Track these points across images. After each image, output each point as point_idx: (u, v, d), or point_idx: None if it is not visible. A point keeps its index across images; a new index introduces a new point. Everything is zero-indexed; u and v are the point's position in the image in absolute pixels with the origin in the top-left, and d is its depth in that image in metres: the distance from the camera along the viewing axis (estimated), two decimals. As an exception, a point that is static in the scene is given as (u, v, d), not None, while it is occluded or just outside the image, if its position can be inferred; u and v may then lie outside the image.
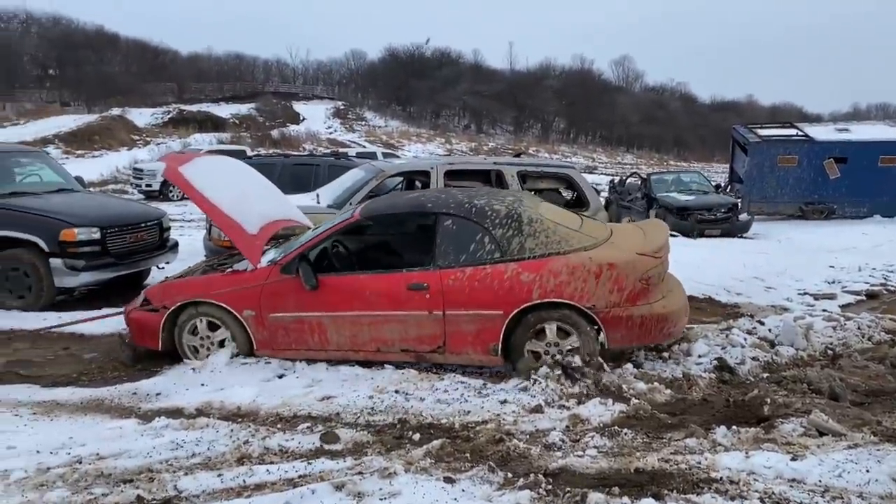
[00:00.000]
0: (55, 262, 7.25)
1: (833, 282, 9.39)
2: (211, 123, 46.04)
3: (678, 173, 19.12)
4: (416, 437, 4.04)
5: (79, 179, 9.15)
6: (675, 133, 74.56)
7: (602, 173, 41.47)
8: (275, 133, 45.39)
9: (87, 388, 5.06)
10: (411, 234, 6.64)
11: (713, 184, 18.49)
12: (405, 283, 5.18)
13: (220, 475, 3.51)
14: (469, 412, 4.43)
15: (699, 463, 3.52)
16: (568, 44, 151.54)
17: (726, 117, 62.99)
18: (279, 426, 4.25)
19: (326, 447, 3.90)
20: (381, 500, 3.22)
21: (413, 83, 70.27)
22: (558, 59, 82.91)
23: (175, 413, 4.47)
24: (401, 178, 9.09)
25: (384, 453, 3.81)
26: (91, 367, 5.64)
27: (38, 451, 3.82)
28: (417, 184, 8.73)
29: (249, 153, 23.13)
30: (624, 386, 4.76)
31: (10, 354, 5.93)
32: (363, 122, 61.05)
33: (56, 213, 7.43)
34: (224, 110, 53.05)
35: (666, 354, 5.62)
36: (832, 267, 10.41)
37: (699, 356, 5.57)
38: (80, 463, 3.68)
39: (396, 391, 4.78)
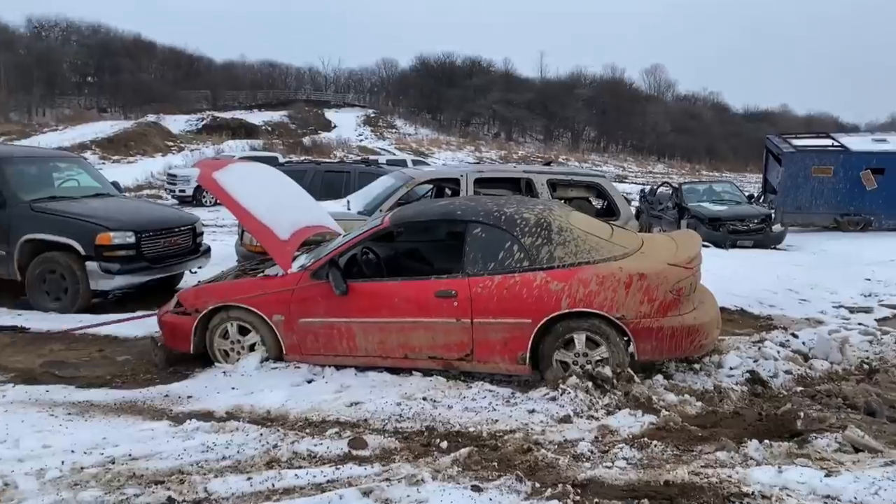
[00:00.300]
0: (91, 265, 7.38)
1: (869, 295, 9.20)
2: (244, 130, 46.63)
3: (710, 183, 18.89)
4: (444, 444, 4.04)
5: (115, 184, 9.34)
6: (708, 142, 73.77)
7: (633, 182, 41.26)
8: (306, 140, 45.93)
9: (120, 390, 5.14)
10: (440, 241, 6.66)
11: (746, 194, 18.26)
12: (433, 290, 5.19)
13: (249, 478, 3.53)
14: (497, 421, 4.41)
15: (730, 477, 3.47)
16: (599, 53, 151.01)
17: (760, 127, 62.21)
18: (308, 431, 4.27)
19: (354, 453, 3.92)
20: (408, 506, 3.22)
21: (443, 92, 70.52)
22: (589, 68, 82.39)
23: (206, 416, 4.52)
24: (430, 186, 9.13)
25: (412, 460, 3.81)
26: (124, 370, 5.72)
27: (72, 451, 3.88)
28: (447, 191, 8.75)
29: (281, 160, 23.39)
30: (654, 397, 4.71)
31: (47, 355, 6.05)
32: (393, 130, 61.40)
33: (92, 217, 7.57)
34: (257, 117, 53.73)
35: (697, 366, 5.55)
36: (868, 280, 10.20)
37: (731, 368, 5.49)
38: (114, 463, 3.74)
39: (424, 398, 4.78)
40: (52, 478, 3.55)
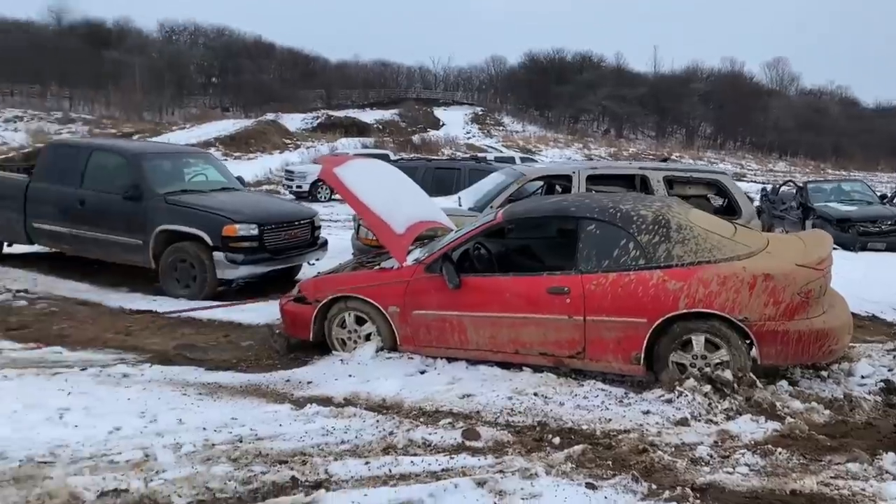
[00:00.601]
0: (218, 255, 7.81)
1: None
2: (356, 128, 47.84)
3: (838, 182, 17.78)
4: (556, 440, 4.03)
5: (239, 179, 9.81)
6: (834, 139, 69.28)
7: (751, 181, 39.42)
8: (416, 138, 46.62)
9: (245, 374, 5.43)
10: (553, 237, 6.63)
11: (878, 194, 17.08)
12: (545, 286, 5.17)
13: (367, 463, 3.65)
14: (610, 420, 4.35)
15: (864, 490, 3.29)
16: (717, 46, 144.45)
17: (893, 123, 58.02)
18: (422, 420, 4.36)
19: (468, 443, 3.97)
20: (522, 499, 3.23)
21: (552, 88, 69.85)
22: (706, 62, 79.46)
23: (325, 401, 4.70)
24: (541, 182, 9.08)
25: (524, 454, 3.82)
26: (248, 355, 6.03)
27: (204, 428, 4.12)
28: (558, 188, 8.68)
29: (392, 157, 23.84)
30: (778, 404, 4.50)
31: (179, 338, 6.46)
32: (501, 128, 61.39)
33: (219, 210, 8.01)
34: (369, 116, 55.11)
35: (825, 373, 5.26)
36: None
37: (862, 377, 5.18)
38: (241, 442, 3.95)
39: (535, 394, 4.77)
40: (187, 452, 3.79)
